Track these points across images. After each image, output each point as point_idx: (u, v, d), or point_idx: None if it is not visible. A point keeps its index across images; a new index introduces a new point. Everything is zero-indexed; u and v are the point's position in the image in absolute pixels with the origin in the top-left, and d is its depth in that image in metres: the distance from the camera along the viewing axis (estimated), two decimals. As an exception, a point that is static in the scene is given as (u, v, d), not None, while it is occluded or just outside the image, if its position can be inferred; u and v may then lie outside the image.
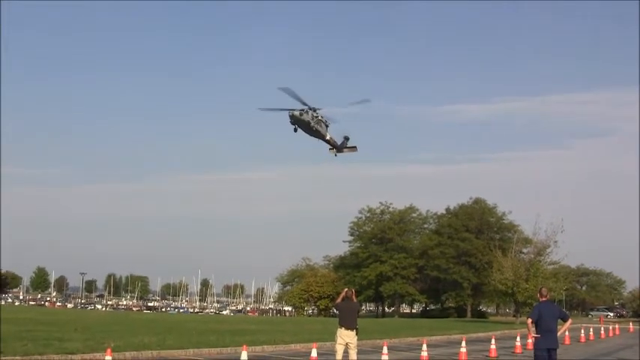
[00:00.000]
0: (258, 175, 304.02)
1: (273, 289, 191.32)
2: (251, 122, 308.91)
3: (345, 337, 20.01)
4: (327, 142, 42.81)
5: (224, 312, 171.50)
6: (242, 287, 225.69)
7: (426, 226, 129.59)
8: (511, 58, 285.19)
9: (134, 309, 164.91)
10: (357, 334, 20.30)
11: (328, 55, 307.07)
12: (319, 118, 41.03)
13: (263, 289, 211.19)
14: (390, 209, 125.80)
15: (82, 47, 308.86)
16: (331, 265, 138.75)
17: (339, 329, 20.12)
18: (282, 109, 39.34)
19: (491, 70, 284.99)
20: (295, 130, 40.29)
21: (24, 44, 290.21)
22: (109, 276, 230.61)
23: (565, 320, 17.02)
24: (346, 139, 43.90)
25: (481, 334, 49.57)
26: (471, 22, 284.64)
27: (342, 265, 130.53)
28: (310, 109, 40.31)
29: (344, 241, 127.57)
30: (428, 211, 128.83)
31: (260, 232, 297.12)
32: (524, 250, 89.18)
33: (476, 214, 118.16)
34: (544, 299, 16.80)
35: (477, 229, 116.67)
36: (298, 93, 38.84)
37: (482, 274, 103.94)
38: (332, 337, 21.55)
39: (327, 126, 42.25)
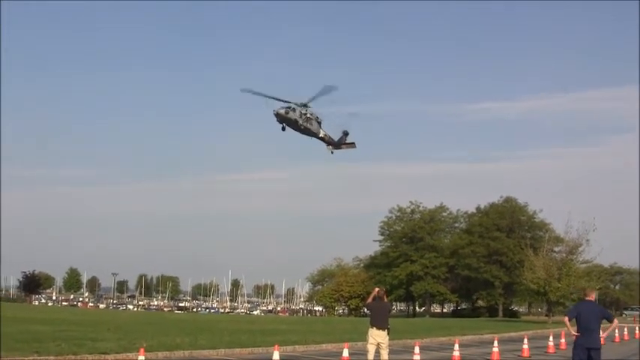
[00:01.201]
0: (288, 173, 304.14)
1: (304, 289, 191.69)
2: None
3: (377, 337, 19.97)
4: (322, 139, 41.83)
5: (255, 312, 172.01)
6: (272, 287, 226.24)
7: (456, 225, 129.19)
8: (540, 54, 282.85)
9: (165, 309, 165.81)
10: (388, 333, 20.25)
11: (352, 54, 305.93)
12: (308, 115, 39.72)
13: (293, 289, 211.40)
14: (421, 208, 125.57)
15: (103, 45, 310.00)
16: (361, 265, 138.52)
17: (370, 329, 20.08)
18: (269, 97, 37.93)
19: (519, 67, 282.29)
20: (283, 129, 39.18)
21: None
22: (141, 276, 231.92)
23: (610, 321, 16.80)
24: (345, 134, 42.81)
25: (513, 334, 49.25)
26: (496, 19, 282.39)
27: (372, 264, 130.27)
28: (299, 105, 39.19)
29: (374, 241, 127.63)
30: (458, 210, 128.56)
31: (290, 231, 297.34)
32: (556, 249, 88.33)
33: (507, 213, 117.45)
34: (588, 299, 16.67)
35: (507, 227, 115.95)
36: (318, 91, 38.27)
37: (513, 273, 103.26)
38: (363, 337, 21.51)
39: (319, 123, 41.06)
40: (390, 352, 20.93)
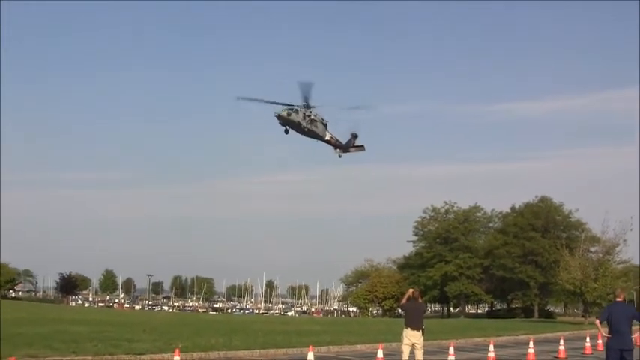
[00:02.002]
0: (321, 175, 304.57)
1: (338, 290, 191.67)
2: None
3: (412, 338, 19.96)
4: (328, 142, 40.20)
5: (289, 313, 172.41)
6: (307, 288, 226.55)
7: (490, 225, 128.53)
8: (570, 53, 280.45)
9: (200, 310, 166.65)
10: (423, 334, 20.24)
11: (375, 54, 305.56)
12: (312, 117, 38.05)
13: (328, 289, 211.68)
14: (455, 209, 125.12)
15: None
16: (395, 266, 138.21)
17: (405, 329, 20.08)
18: (266, 102, 36.46)
19: (548, 66, 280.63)
20: (286, 132, 37.55)
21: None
22: (175, 277, 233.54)
23: None
24: (354, 137, 41.22)
25: (549, 335, 48.88)
26: (521, 19, 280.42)
27: (406, 265, 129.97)
28: (303, 107, 37.51)
29: (408, 241, 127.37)
30: (493, 210, 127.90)
31: (324, 232, 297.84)
32: (592, 249, 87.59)
33: (542, 213, 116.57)
34: (618, 300, 16.53)
35: (543, 227, 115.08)
36: (310, 90, 36.62)
37: (548, 273, 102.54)
38: (397, 338, 21.50)
39: (324, 125, 39.37)
40: (425, 353, 20.91)
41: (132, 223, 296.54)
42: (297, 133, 38.10)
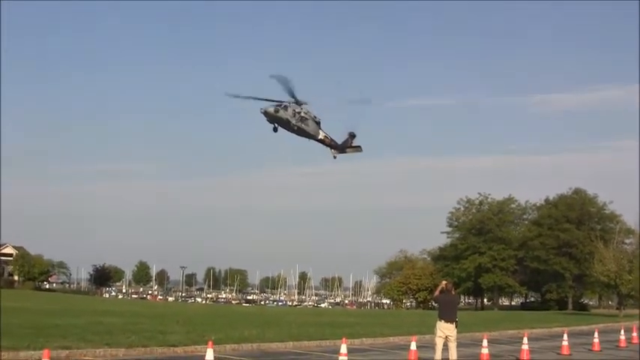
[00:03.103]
0: (353, 166, 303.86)
1: (371, 282, 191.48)
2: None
3: (445, 330, 19.85)
4: (322, 142, 37.80)
5: (322, 305, 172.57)
6: (340, 280, 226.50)
7: (525, 216, 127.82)
8: (608, 45, 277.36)
9: (233, 302, 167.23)
10: (456, 327, 20.12)
11: (419, 48, 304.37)
12: (303, 114, 35.80)
13: (361, 281, 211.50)
14: (489, 200, 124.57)
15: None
16: (429, 258, 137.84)
17: (438, 322, 19.97)
18: (256, 98, 34.44)
19: (587, 58, 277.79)
20: (275, 130, 35.55)
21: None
22: (209, 269, 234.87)
23: None
24: (351, 136, 38.64)
25: (584, 327, 48.42)
26: (558, 10, 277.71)
27: (440, 256, 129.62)
28: (294, 103, 35.44)
29: (442, 232, 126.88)
30: (527, 202, 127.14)
31: (358, 224, 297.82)
32: (627, 241, 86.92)
33: (576, 205, 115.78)
34: None
35: (577, 219, 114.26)
36: (292, 83, 34.48)
37: (583, 265, 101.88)
38: (430, 330, 21.40)
39: (317, 123, 37.16)
40: (458, 345, 20.78)
41: (166, 215, 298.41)
42: (288, 132, 36.11)
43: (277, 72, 33.88)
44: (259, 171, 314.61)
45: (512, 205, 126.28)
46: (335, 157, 38.86)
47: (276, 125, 35.22)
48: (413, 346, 21.57)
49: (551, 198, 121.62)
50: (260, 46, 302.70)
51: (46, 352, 15.06)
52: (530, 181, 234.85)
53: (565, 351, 27.57)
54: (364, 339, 31.04)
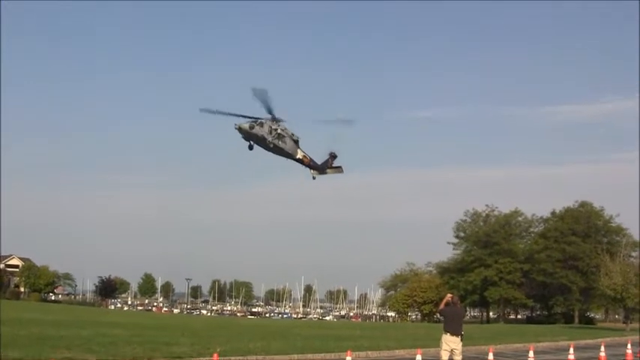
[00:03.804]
0: (357, 179, 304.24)
1: (376, 295, 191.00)
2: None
3: (451, 343, 19.80)
4: (300, 162, 36.40)
5: (327, 317, 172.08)
6: (345, 293, 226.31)
7: (531, 229, 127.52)
8: (614, 57, 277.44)
9: (238, 314, 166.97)
10: (462, 340, 20.07)
11: (424, 60, 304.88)
12: (280, 131, 34.45)
13: (366, 294, 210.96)
14: (495, 212, 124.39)
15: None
16: (434, 271, 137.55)
17: (444, 335, 19.92)
18: (231, 114, 33.03)
19: (594, 70, 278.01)
20: (250, 148, 34.07)
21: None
22: (214, 282, 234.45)
23: None
24: (332, 157, 37.47)
25: (590, 341, 48.26)
26: (569, 21, 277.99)
27: (446, 269, 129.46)
28: (270, 119, 34.10)
29: (448, 243, 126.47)
30: (533, 214, 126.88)
31: (363, 236, 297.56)
32: (634, 254, 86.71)
33: (582, 218, 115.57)
34: None
35: (583, 232, 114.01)
36: (270, 97, 32.97)
37: (590, 278, 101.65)
38: (436, 343, 21.36)
39: (295, 141, 35.77)
40: (464, 359, 20.72)
41: (171, 227, 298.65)
42: (265, 150, 34.66)
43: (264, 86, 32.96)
44: (265, 182, 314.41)
45: (519, 218, 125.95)
46: (314, 178, 37.44)
47: (252, 143, 33.96)
48: (418, 359, 21.53)
49: (557, 211, 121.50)
50: (262, 58, 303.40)
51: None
52: (537, 193, 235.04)
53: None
54: (369, 352, 30.98)
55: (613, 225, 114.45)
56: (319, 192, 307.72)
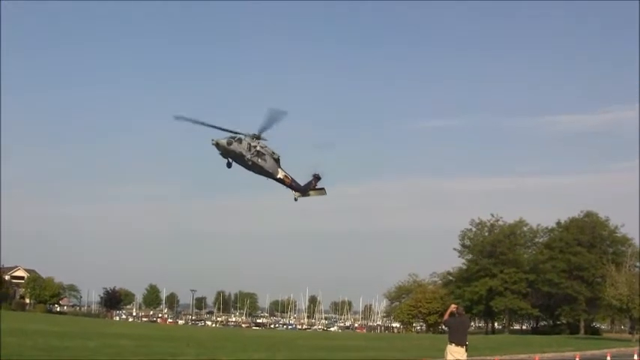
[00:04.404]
0: (360, 189, 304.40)
1: (381, 306, 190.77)
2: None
3: (455, 354, 19.75)
4: (281, 182, 35.02)
5: (332, 328, 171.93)
6: (350, 304, 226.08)
7: (536, 239, 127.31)
8: (616, 66, 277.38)
9: (243, 325, 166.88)
10: (466, 350, 20.03)
11: (429, 70, 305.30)
12: (259, 148, 32.83)
13: (371, 305, 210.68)
14: (500, 222, 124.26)
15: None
16: (438, 282, 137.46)
17: (448, 345, 19.87)
18: (208, 125, 31.63)
19: (598, 79, 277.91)
20: (229, 166, 32.64)
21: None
22: (219, 293, 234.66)
23: None
24: (316, 178, 36.17)
25: (596, 352, 48.11)
26: (572, 33, 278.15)
27: (451, 280, 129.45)
28: (251, 137, 32.54)
29: (454, 249, 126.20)
30: (538, 225, 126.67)
31: (367, 248, 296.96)
32: (639, 264, 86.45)
33: (587, 228, 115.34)
34: None
35: (589, 242, 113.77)
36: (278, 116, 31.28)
37: (595, 288, 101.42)
38: (441, 354, 21.37)
39: (276, 160, 34.27)
40: (469, 369, 20.72)
41: (176, 239, 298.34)
42: (244, 168, 33.15)
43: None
44: (269, 194, 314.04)
45: (524, 228, 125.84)
46: (296, 200, 36.12)
47: (230, 160, 32.46)
48: (424, 369, 21.59)
49: (562, 221, 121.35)
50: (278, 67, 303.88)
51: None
52: (541, 203, 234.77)
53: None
54: (375, 362, 31.01)
55: (618, 235, 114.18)
56: (323, 203, 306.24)
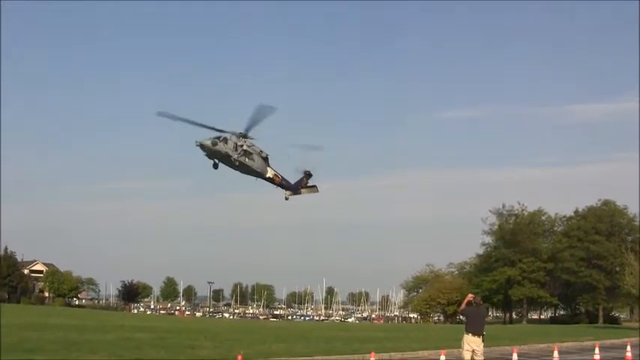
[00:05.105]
0: (380, 180, 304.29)
1: (398, 296, 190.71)
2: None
3: (472, 344, 19.68)
4: (271, 181, 34.36)
5: (349, 319, 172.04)
6: (367, 295, 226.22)
7: (554, 228, 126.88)
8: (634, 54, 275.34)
9: (261, 317, 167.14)
10: (483, 340, 19.94)
11: (445, 61, 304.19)
12: (246, 148, 32.05)
13: (388, 296, 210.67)
14: (517, 211, 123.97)
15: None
16: (456, 272, 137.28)
17: (465, 335, 19.81)
18: (193, 122, 30.67)
19: (616, 67, 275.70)
20: (215, 167, 31.95)
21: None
22: (236, 285, 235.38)
23: None
24: (307, 175, 35.69)
25: (615, 341, 47.83)
26: (590, 23, 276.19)
27: (469, 269, 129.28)
28: (237, 135, 31.75)
29: (483, 232, 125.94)
30: (557, 214, 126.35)
31: (384, 238, 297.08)
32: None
33: (605, 216, 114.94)
34: None
35: (607, 231, 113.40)
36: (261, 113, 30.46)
37: (614, 277, 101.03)
38: (458, 344, 21.28)
39: (264, 159, 33.50)
40: None
41: (192, 232, 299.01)
42: (231, 168, 32.45)
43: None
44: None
45: (542, 217, 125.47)
46: (287, 199, 35.60)
47: (216, 161, 31.84)
48: (442, 359, 21.52)
49: (580, 209, 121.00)
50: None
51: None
52: (560, 192, 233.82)
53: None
54: (392, 353, 30.91)
55: (637, 223, 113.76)
56: (339, 194, 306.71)
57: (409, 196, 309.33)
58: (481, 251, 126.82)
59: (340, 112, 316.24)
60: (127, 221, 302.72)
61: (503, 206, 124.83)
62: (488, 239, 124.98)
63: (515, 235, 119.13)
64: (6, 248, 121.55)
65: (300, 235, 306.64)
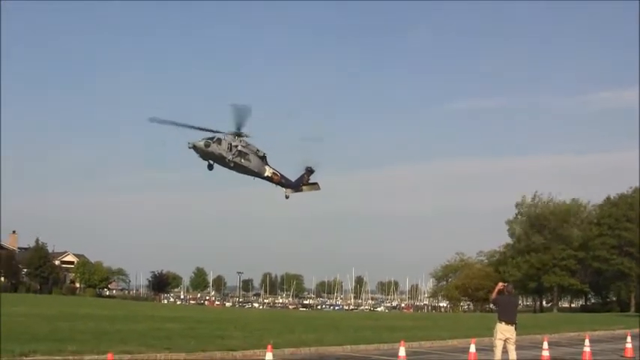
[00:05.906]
0: (409, 170, 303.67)
1: (427, 285, 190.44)
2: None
3: (505, 332, 19.57)
4: (270, 180, 33.64)
5: (379, 309, 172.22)
6: (396, 284, 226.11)
7: (585, 216, 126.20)
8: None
9: (290, 307, 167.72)
10: (516, 329, 19.84)
11: (468, 50, 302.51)
12: (241, 148, 31.28)
13: (417, 285, 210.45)
14: (549, 199, 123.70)
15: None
16: (485, 260, 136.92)
17: (498, 324, 19.69)
18: (185, 125, 29.95)
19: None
20: (210, 168, 31.21)
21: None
22: (265, 275, 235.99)
23: None
24: (309, 172, 35.15)
25: (647, 329, 47.49)
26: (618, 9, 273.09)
27: (500, 257, 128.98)
28: (231, 135, 30.96)
29: (507, 221, 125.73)
30: (588, 201, 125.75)
31: (413, 227, 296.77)
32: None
33: (636, 204, 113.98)
34: None
35: (638, 218, 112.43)
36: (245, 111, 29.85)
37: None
38: (489, 333, 21.21)
39: (261, 157, 32.70)
40: (517, 348, 20.47)
41: (222, 222, 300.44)
42: (227, 169, 31.68)
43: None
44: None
45: (573, 205, 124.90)
46: (287, 197, 34.88)
47: (211, 162, 31.12)
48: (472, 348, 21.45)
49: (611, 197, 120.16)
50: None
51: (109, 356, 15.39)
52: (592, 180, 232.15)
53: (629, 353, 27.01)
54: (422, 342, 30.88)
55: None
56: (368, 184, 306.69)
57: (436, 185, 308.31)
58: (511, 240, 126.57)
59: (377, 102, 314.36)
60: (157, 212, 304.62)
61: (534, 194, 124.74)
62: (517, 228, 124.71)
63: (546, 222, 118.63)
64: (37, 239, 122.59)
65: (329, 225, 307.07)
